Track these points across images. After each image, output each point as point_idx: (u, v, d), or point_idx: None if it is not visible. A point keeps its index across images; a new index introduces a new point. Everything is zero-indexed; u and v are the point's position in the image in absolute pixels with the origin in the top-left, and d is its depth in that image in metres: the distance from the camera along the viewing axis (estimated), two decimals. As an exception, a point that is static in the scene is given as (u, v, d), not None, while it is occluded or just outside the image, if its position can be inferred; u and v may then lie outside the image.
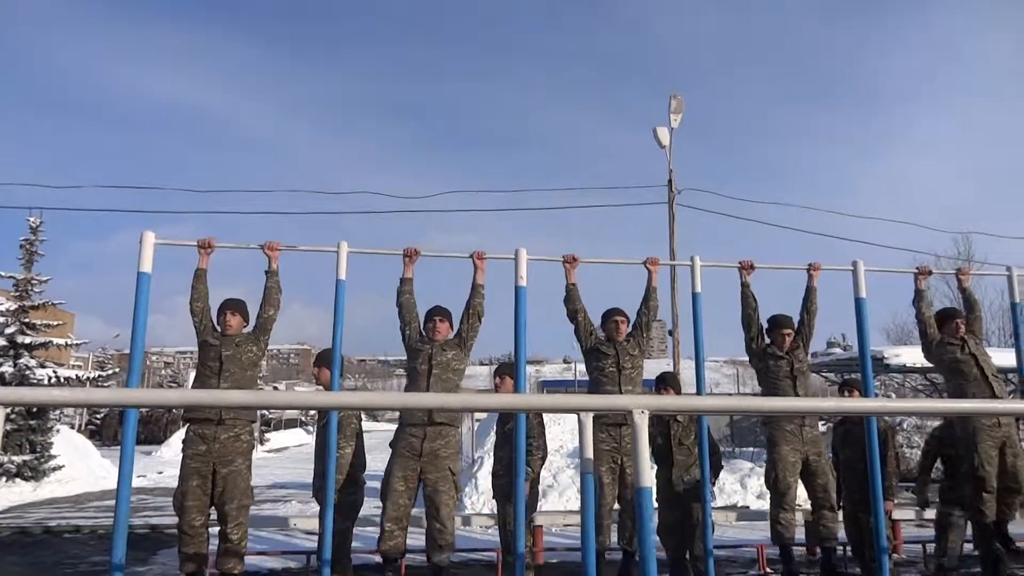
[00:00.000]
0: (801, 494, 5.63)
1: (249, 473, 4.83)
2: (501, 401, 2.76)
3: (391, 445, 5.09)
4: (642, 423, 2.25)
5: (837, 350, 21.80)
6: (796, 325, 5.56)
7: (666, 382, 5.76)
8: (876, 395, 17.01)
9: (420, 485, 5.01)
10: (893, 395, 17.92)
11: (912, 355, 10.66)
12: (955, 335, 5.62)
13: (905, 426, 14.45)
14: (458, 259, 5.24)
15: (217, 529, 4.77)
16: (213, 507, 4.72)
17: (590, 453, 2.76)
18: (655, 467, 5.69)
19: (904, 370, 12.61)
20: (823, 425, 15.49)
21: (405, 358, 5.29)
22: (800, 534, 5.98)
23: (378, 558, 7.30)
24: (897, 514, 8.19)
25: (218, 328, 4.99)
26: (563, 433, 12.14)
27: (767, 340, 5.56)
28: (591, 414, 2.77)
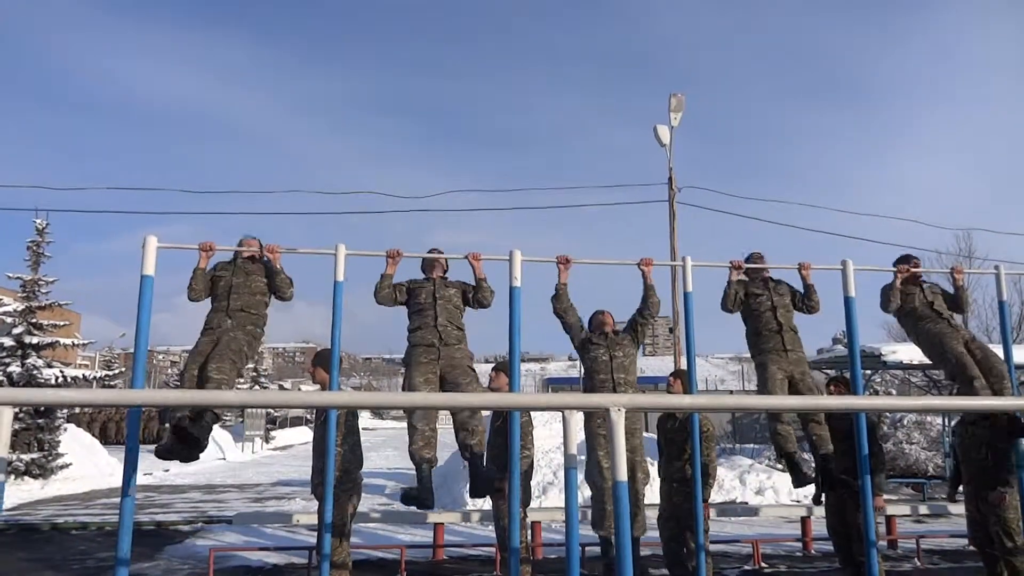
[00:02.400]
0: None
1: (249, 348, 4.99)
2: (488, 400, 2.86)
3: (405, 361, 5.20)
4: (618, 420, 2.36)
5: (839, 347, 21.84)
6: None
7: (677, 376, 5.97)
8: (877, 392, 17.08)
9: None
10: (894, 392, 17.96)
11: (909, 352, 10.72)
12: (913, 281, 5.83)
13: (905, 422, 14.52)
14: (455, 259, 5.39)
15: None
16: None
17: (574, 450, 2.87)
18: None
19: (902, 367, 12.66)
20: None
21: (407, 304, 5.36)
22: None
23: (377, 554, 7.48)
24: (892, 509, 8.31)
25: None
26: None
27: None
28: (575, 412, 2.88)
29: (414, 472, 5.02)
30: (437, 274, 5.38)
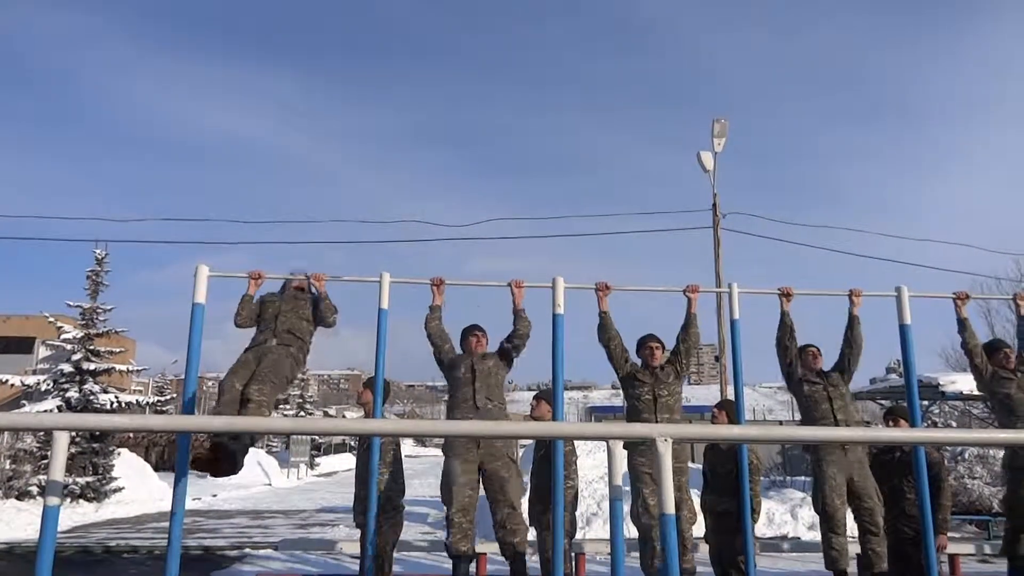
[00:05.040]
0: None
1: (291, 372, 4.85)
2: (533, 429, 2.83)
3: (444, 450, 5.14)
4: (665, 451, 2.31)
5: (893, 376, 21.11)
6: (838, 358, 5.53)
7: (722, 407, 5.81)
8: (936, 424, 16.40)
9: (480, 482, 5.03)
10: (954, 424, 17.23)
11: (969, 382, 10.28)
12: (1006, 366, 5.57)
13: (966, 456, 13.88)
14: (495, 287, 5.36)
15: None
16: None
17: (619, 480, 2.82)
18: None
19: (961, 397, 12.16)
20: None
21: (445, 376, 5.37)
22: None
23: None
24: (955, 548, 7.90)
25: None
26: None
27: (800, 366, 5.51)
28: (620, 442, 2.83)
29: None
30: (478, 349, 5.31)
